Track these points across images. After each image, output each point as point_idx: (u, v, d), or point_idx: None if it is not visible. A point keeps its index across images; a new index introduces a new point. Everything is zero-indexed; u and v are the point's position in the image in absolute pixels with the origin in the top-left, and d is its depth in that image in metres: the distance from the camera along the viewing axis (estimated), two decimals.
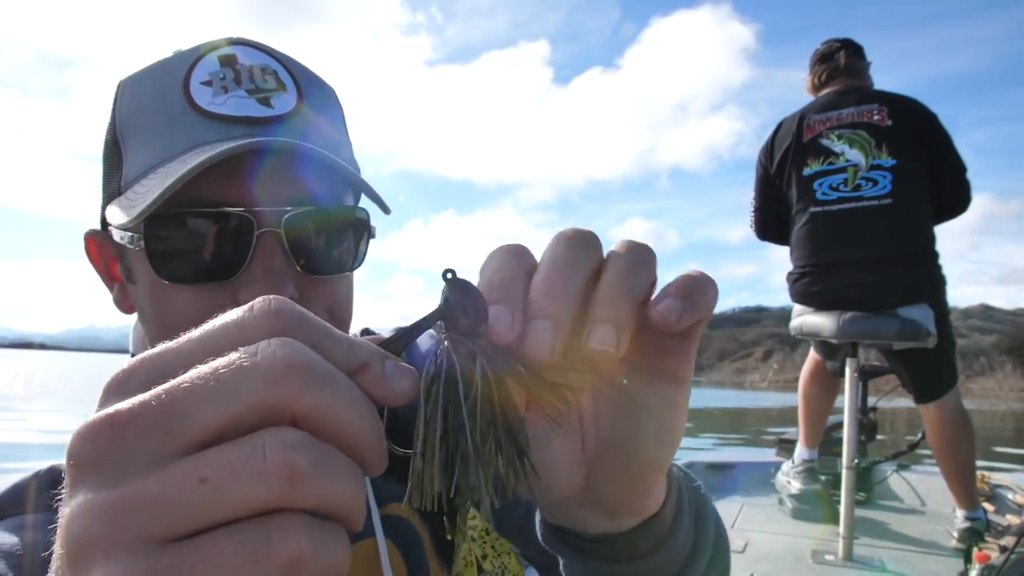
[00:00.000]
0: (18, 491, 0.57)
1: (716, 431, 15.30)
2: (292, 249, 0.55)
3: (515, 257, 0.34)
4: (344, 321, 0.62)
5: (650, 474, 0.39)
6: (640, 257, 0.34)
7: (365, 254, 0.62)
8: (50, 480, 0.57)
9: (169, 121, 0.56)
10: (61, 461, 0.61)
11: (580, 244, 0.34)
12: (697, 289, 0.34)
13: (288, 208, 0.55)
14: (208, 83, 0.56)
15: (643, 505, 0.41)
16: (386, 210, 0.60)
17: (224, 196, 0.54)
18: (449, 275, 0.32)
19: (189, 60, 0.57)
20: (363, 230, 0.62)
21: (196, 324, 0.55)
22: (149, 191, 0.53)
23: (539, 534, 0.48)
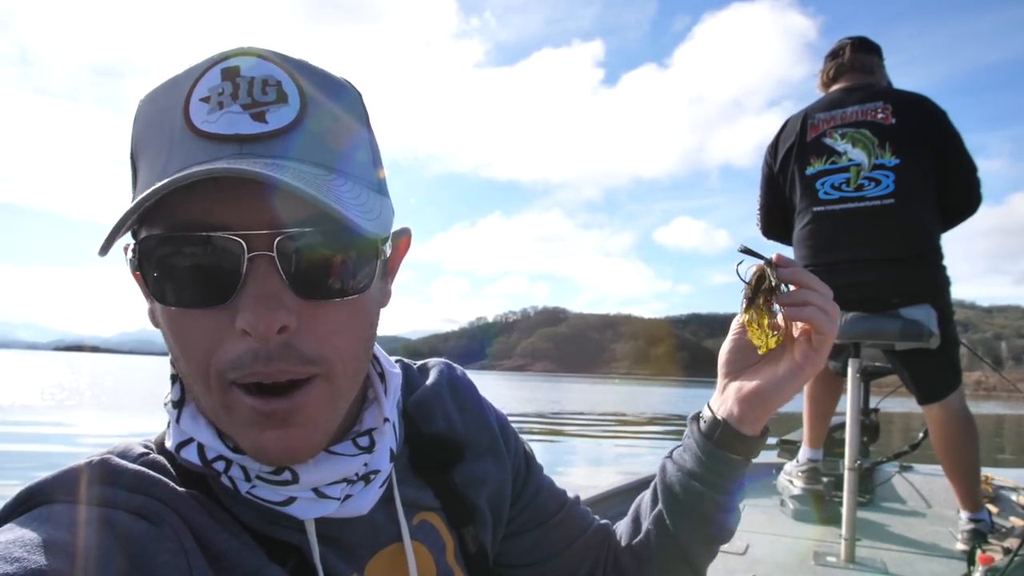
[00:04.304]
0: (69, 478, 0.56)
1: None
2: (286, 273, 0.53)
3: None
4: (348, 347, 0.58)
5: (764, 410, 0.81)
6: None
7: (372, 276, 0.58)
8: (104, 473, 0.56)
9: (169, 140, 0.54)
10: (111, 454, 0.59)
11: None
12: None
13: (282, 231, 0.52)
14: (206, 99, 0.53)
15: (757, 423, 0.82)
16: (360, 230, 0.53)
17: (216, 219, 0.52)
18: (743, 247, 0.74)
19: (195, 75, 0.55)
20: (367, 251, 0.57)
21: (202, 347, 0.55)
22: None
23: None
